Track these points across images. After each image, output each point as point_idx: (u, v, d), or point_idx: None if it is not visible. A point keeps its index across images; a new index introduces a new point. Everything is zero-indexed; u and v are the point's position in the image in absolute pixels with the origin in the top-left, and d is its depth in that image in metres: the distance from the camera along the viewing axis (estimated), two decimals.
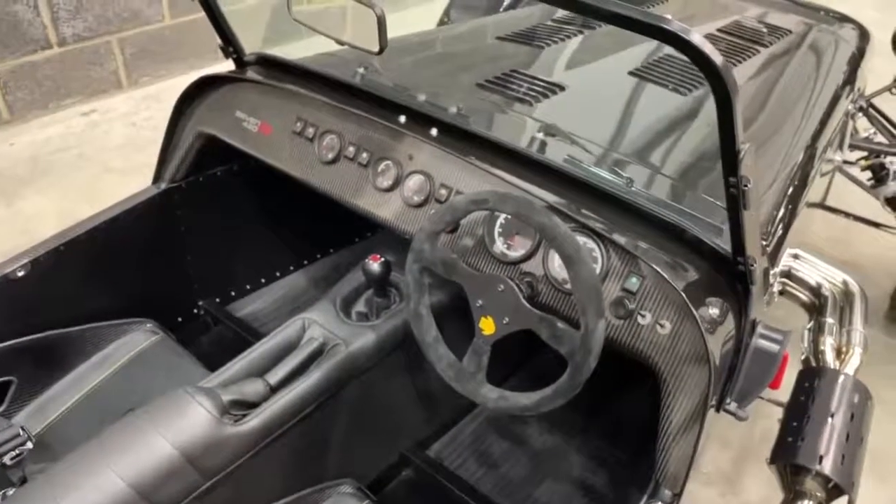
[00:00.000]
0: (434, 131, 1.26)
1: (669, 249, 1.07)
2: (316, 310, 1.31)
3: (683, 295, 0.98)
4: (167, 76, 3.61)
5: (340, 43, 1.21)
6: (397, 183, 1.26)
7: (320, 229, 1.94)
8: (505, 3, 2.45)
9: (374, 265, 1.29)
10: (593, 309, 0.94)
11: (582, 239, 1.08)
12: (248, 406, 1.13)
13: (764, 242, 1.22)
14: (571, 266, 0.95)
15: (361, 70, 1.45)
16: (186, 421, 1.04)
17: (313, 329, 1.27)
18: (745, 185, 0.86)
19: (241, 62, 1.58)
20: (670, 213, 1.10)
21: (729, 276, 1.05)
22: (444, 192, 1.21)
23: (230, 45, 1.54)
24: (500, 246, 1.15)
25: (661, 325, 1.01)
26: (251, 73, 1.53)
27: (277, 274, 1.93)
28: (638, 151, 1.34)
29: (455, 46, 1.89)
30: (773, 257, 1.28)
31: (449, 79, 1.56)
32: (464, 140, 1.24)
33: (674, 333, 1.00)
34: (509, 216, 1.10)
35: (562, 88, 1.49)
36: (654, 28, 0.77)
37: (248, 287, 1.88)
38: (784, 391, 1.23)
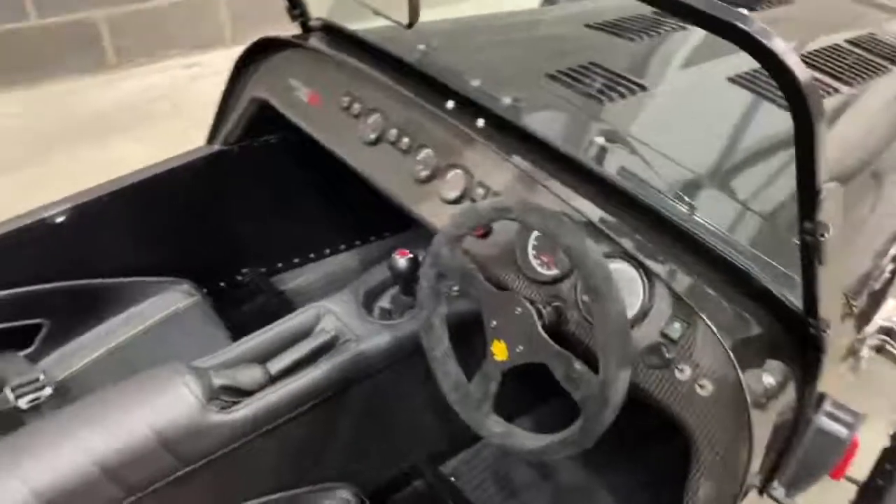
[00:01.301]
0: (481, 122, 1.13)
1: (731, 297, 0.89)
2: (335, 300, 1.22)
3: (731, 355, 0.81)
4: None
5: (376, 13, 1.09)
6: (434, 175, 1.15)
7: (375, 210, 1.86)
8: None
9: (401, 261, 1.18)
10: (616, 356, 0.79)
11: (624, 267, 0.92)
12: (241, 393, 1.06)
13: (853, 302, 1.01)
14: (597, 300, 0.81)
15: (422, 48, 1.33)
16: (167, 401, 0.97)
17: (328, 320, 1.18)
18: (823, 235, 0.68)
19: (306, 27, 1.50)
20: (737, 253, 0.92)
21: (799, 338, 0.86)
22: (480, 191, 1.08)
23: (296, 7, 1.47)
24: (532, 261, 1.01)
25: (702, 386, 0.84)
26: (312, 40, 1.45)
27: (327, 251, 1.86)
28: (718, 173, 1.15)
29: (536, 31, 1.73)
30: (866, 318, 1.07)
31: (518, 66, 1.42)
32: (512, 136, 1.11)
33: (715, 397, 0.83)
34: None
35: (643, 88, 1.32)
36: (723, 24, 0.61)
37: (295, 261, 1.82)
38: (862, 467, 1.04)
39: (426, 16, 1.16)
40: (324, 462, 1.19)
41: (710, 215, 0.98)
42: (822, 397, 0.87)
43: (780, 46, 0.59)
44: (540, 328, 0.88)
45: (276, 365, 1.10)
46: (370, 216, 1.87)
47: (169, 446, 0.95)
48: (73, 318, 1.45)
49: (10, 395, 1.31)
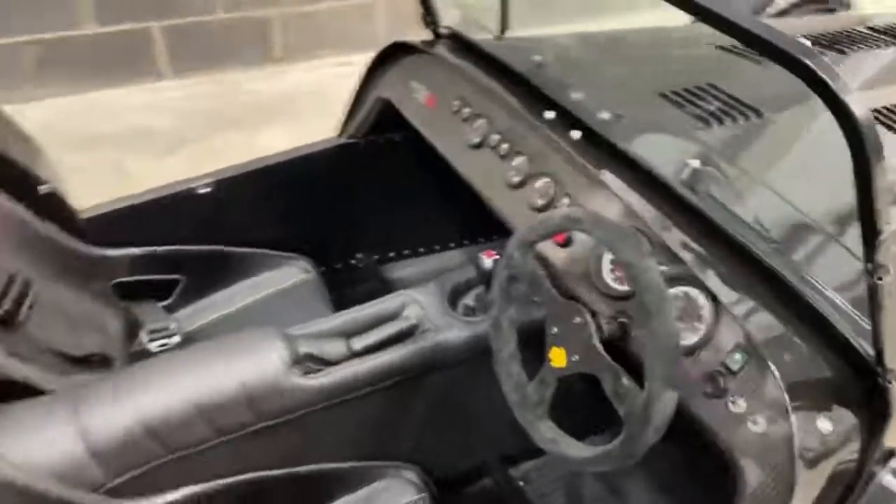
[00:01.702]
0: (576, 134, 1.15)
1: (802, 336, 0.86)
2: (422, 291, 1.29)
3: (787, 398, 0.79)
4: None
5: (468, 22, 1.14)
6: (525, 182, 1.18)
7: (486, 212, 1.92)
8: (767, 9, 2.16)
9: (486, 261, 1.23)
10: (661, 376, 0.80)
11: (692, 293, 0.91)
12: (323, 363, 1.16)
13: None
14: (647, 318, 0.81)
15: (537, 59, 1.37)
16: (257, 359, 1.09)
17: (412, 308, 1.25)
18: (881, 277, 0.65)
19: (436, 34, 1.59)
20: (817, 294, 0.88)
21: (869, 388, 0.81)
22: (566, 201, 1.11)
23: (429, 15, 1.56)
24: (605, 275, 1.02)
25: (755, 422, 0.82)
26: (437, 47, 1.53)
27: (437, 247, 1.95)
28: (815, 211, 1.09)
29: (664, 49, 1.70)
30: None
31: (631, 82, 1.42)
32: (605, 151, 1.12)
33: (765, 436, 0.81)
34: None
35: (758, 114, 1.27)
36: (786, 56, 0.60)
37: (405, 252, 1.92)
38: None
39: (564, 29, 1.20)
40: (394, 441, 1.26)
41: (797, 252, 0.95)
42: (891, 453, 0.81)
43: (839, 83, 0.58)
44: (596, 340, 0.90)
45: (358, 342, 1.19)
46: (481, 218, 1.94)
47: (252, 400, 1.06)
48: (206, 278, 1.63)
49: (145, 338, 1.51)
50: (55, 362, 1.31)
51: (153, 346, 1.50)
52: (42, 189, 1.42)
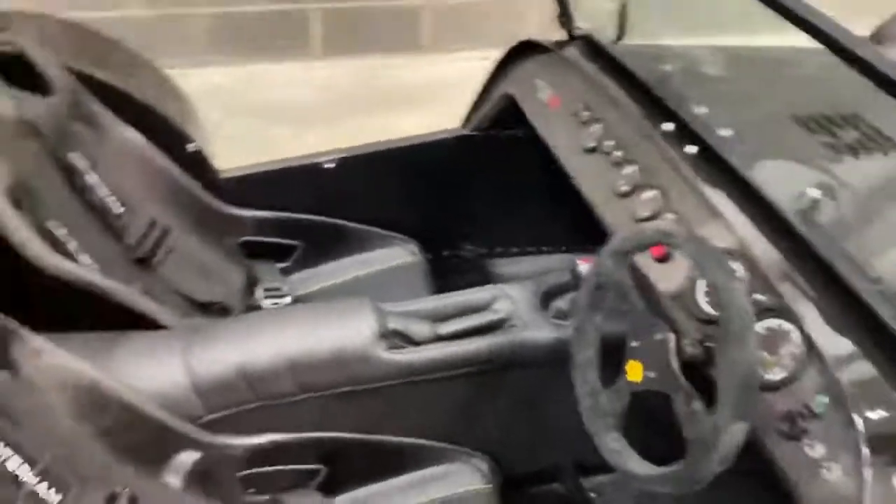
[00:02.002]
0: (692, 149, 1.12)
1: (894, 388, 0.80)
2: (515, 287, 1.31)
3: (866, 449, 0.74)
4: None
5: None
6: (633, 191, 1.17)
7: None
8: None
9: (581, 266, 1.23)
10: (732, 404, 0.77)
11: (786, 328, 0.87)
12: (409, 341, 1.21)
13: None
14: (728, 344, 0.79)
15: (665, 68, 1.34)
16: (347, 326, 1.15)
17: (503, 302, 1.27)
18: None
19: (571, 35, 1.59)
20: None
21: None
22: (670, 216, 1.08)
23: (564, 16, 1.56)
24: (700, 296, 0.99)
25: (829, 469, 0.78)
26: (568, 49, 1.54)
27: (546, 248, 1.95)
28: None
29: (814, 71, 1.60)
30: None
31: (766, 103, 1.35)
32: (719, 169, 1.08)
33: (837, 485, 0.76)
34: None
35: None
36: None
37: (514, 249, 1.93)
38: None
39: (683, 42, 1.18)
40: (468, 429, 1.29)
41: None
42: None
43: None
44: (674, 359, 0.88)
45: (445, 327, 1.23)
46: (594, 223, 1.92)
47: (338, 364, 1.13)
48: (321, 248, 1.73)
49: (260, 295, 1.63)
50: (180, 304, 1.46)
51: (266, 303, 1.62)
52: (189, 147, 1.57)
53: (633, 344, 0.94)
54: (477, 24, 3.67)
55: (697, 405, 0.83)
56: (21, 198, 1.13)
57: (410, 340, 1.20)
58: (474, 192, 1.82)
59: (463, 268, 1.89)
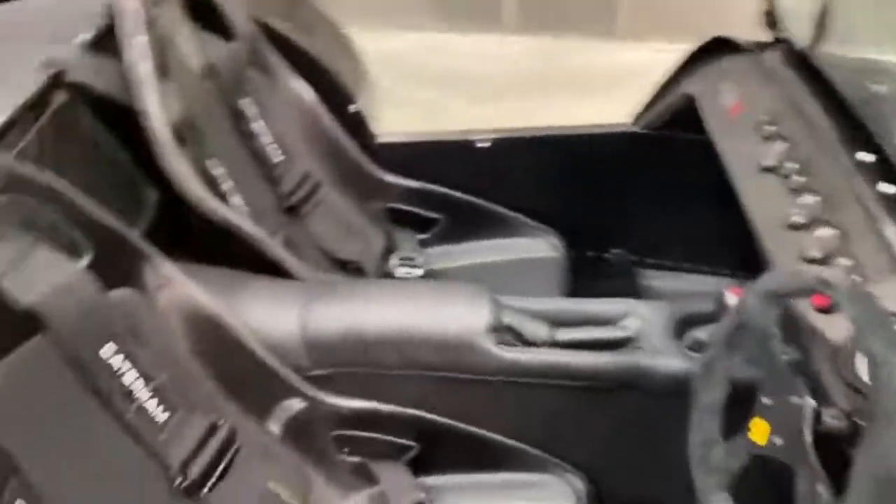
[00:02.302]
0: (888, 189, 0.94)
1: None
2: (651, 306, 1.20)
3: None
4: None
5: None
6: (807, 225, 1.01)
7: None
8: None
9: (729, 297, 1.09)
10: (864, 497, 0.64)
11: None
12: (521, 340, 1.15)
13: None
14: (874, 426, 0.65)
15: (877, 87, 1.14)
16: (459, 311, 1.12)
17: (633, 320, 1.17)
18: None
19: (776, 38, 1.41)
20: None
21: None
22: (845, 262, 0.92)
23: (771, 15, 1.39)
24: (859, 361, 0.83)
25: None
26: (769, 53, 1.36)
27: (705, 269, 1.77)
28: None
29: None
30: None
31: None
32: None
33: None
34: None
35: None
36: None
37: (667, 263, 1.79)
38: None
39: None
40: (568, 443, 1.21)
41: None
42: None
43: None
44: (808, 430, 0.75)
45: (563, 333, 1.15)
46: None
47: (442, 347, 1.10)
48: (462, 226, 1.71)
49: (395, 262, 1.64)
50: (318, 258, 1.51)
51: (399, 271, 1.63)
52: (351, 108, 1.61)
53: (765, 400, 0.81)
54: (677, 15, 3.42)
55: (823, 488, 0.70)
56: (186, 135, 1.21)
57: (523, 339, 1.14)
58: (634, 194, 1.69)
59: (606, 272, 1.78)
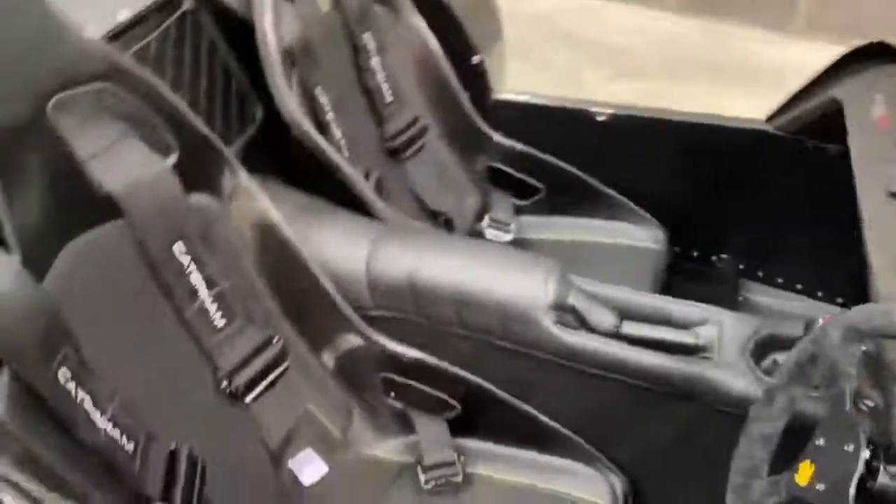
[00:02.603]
0: None
1: None
2: (734, 318, 1.10)
3: None
4: None
5: None
6: None
7: None
8: None
9: (820, 325, 0.98)
10: None
11: None
12: (583, 325, 1.10)
13: None
14: None
15: None
16: (523, 281, 1.08)
17: (709, 329, 1.09)
18: None
19: None
20: None
21: None
22: None
23: None
24: None
25: None
26: None
27: (819, 294, 1.61)
28: None
29: None
30: None
31: None
32: None
33: None
34: None
35: None
36: None
37: (778, 280, 1.64)
38: None
39: None
40: (612, 440, 1.16)
41: None
42: None
43: None
44: (855, 481, 0.67)
45: (631, 327, 1.09)
46: None
47: (499, 314, 1.08)
48: (562, 198, 1.64)
49: (485, 223, 1.61)
50: (409, 204, 1.52)
51: (488, 233, 1.60)
52: (474, 59, 1.58)
53: (818, 442, 0.73)
54: (865, 15, 3.07)
55: None
56: (299, 58, 1.24)
57: (584, 324, 1.09)
58: (754, 199, 1.55)
59: (708, 277, 1.66)
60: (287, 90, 1.18)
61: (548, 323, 1.07)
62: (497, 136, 1.60)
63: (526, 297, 1.07)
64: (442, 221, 1.57)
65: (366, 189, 1.29)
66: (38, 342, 0.78)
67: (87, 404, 0.83)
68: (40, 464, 0.75)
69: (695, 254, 1.67)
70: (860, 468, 0.67)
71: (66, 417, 0.80)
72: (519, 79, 1.85)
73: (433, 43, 1.52)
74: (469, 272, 1.11)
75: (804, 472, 0.73)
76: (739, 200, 1.57)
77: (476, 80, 1.58)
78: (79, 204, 0.87)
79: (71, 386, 0.82)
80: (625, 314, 1.11)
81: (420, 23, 1.51)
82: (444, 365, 1.15)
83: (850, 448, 0.68)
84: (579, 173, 1.60)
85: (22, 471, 0.70)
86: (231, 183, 1.04)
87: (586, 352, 1.07)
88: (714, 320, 1.10)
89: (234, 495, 1.03)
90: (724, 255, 1.65)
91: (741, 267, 1.64)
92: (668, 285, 1.56)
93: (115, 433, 0.87)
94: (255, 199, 1.06)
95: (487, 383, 1.15)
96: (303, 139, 1.20)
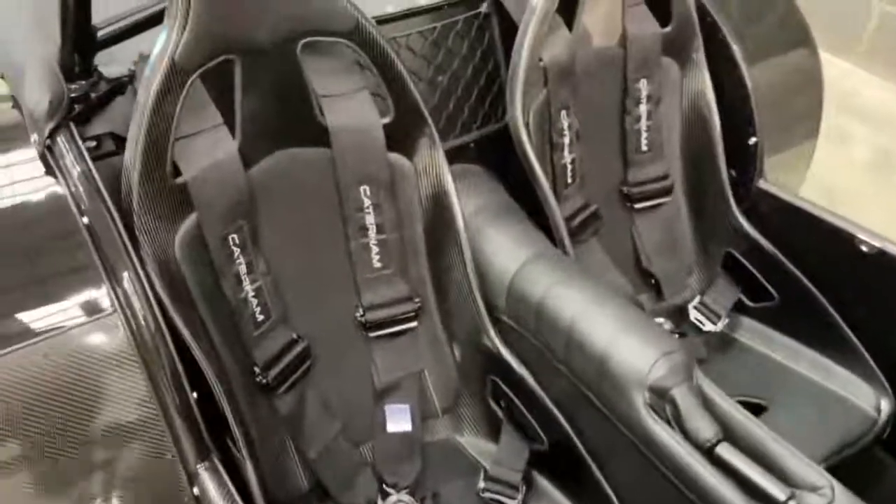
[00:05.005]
0: None
1: None
2: (849, 500, 0.91)
3: None
4: None
5: None
6: None
7: None
8: None
9: None
10: None
11: None
12: (679, 427, 1.00)
13: None
14: None
15: None
16: (636, 350, 1.04)
17: (814, 497, 0.91)
18: None
19: None
20: None
21: None
22: None
23: None
24: None
25: None
26: None
27: None
28: None
29: None
30: None
31: None
32: None
33: None
34: None
35: None
36: None
37: None
38: None
39: None
40: None
41: None
42: None
43: None
44: None
45: (727, 452, 0.95)
46: None
47: (598, 368, 1.05)
48: (791, 316, 1.44)
49: (694, 303, 1.51)
50: (617, 252, 1.50)
51: (692, 313, 1.51)
52: (750, 140, 1.47)
53: None
54: None
55: None
56: (552, 78, 1.31)
57: (681, 427, 0.99)
58: None
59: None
60: (519, 96, 1.27)
61: (640, 402, 1.01)
62: (747, 225, 1.47)
63: (628, 364, 1.02)
64: (650, 283, 1.53)
65: (556, 216, 1.32)
66: (224, 206, 1.04)
67: (242, 268, 1.08)
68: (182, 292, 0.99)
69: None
70: None
71: (220, 269, 1.05)
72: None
73: (712, 109, 1.46)
74: (590, 315, 1.09)
75: None
76: None
77: (745, 159, 1.48)
78: (299, 124, 1.10)
79: (236, 250, 1.07)
80: (732, 435, 0.99)
81: (706, 87, 1.46)
82: (546, 400, 1.15)
83: None
84: (823, 300, 1.38)
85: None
86: (427, 155, 1.19)
87: (665, 449, 0.98)
88: (826, 493, 0.92)
89: (328, 404, 1.20)
90: None
91: None
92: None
93: (253, 302, 1.10)
94: (443, 178, 1.20)
95: (576, 438, 1.13)
96: (515, 143, 1.29)
